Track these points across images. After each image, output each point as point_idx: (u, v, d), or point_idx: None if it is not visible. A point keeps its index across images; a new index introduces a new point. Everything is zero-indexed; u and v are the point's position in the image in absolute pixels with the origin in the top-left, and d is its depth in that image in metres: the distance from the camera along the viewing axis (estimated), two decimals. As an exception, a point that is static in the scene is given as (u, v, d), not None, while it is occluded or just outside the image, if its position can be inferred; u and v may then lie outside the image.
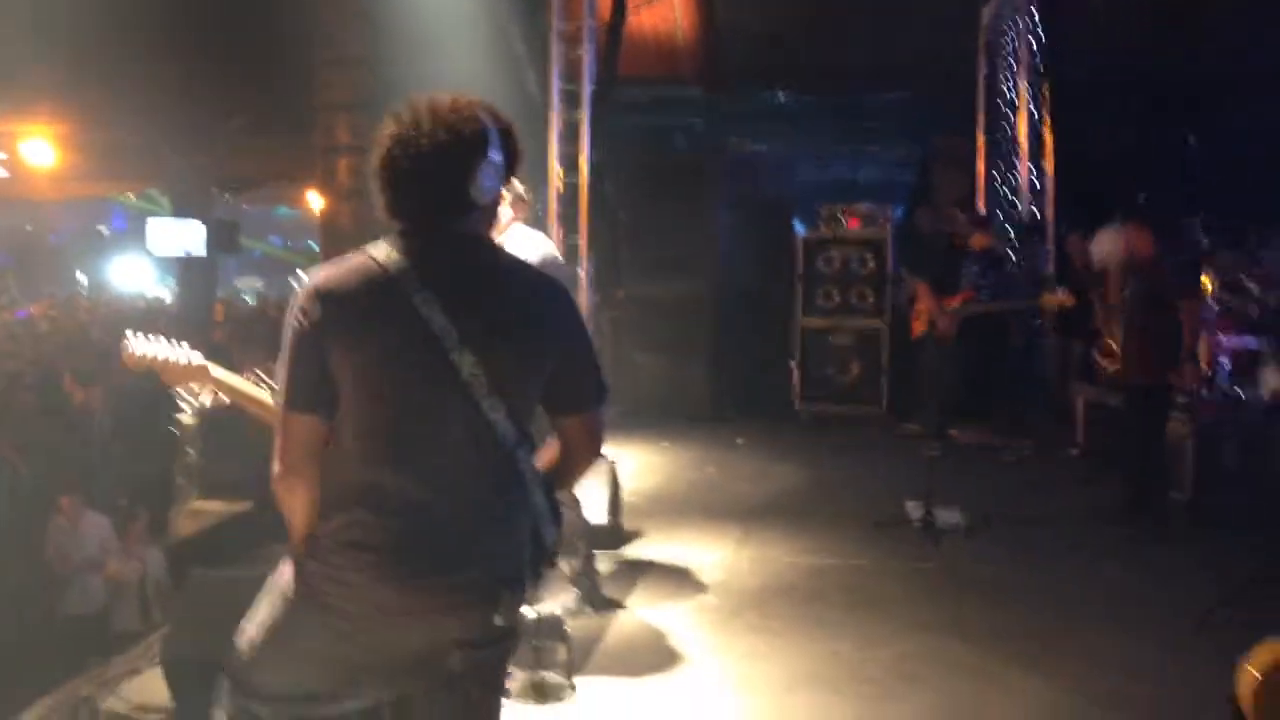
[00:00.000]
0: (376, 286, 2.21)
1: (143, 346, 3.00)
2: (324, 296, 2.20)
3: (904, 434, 9.54)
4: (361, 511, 2.20)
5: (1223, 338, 7.72)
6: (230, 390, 3.02)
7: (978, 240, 9.08)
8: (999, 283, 8.77)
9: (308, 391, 2.21)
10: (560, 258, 5.28)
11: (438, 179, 2.26)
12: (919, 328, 9.20)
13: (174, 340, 3.06)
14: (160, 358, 3.00)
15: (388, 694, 2.33)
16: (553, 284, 2.38)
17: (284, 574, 2.33)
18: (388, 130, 2.29)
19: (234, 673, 2.33)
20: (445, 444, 2.23)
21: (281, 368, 2.23)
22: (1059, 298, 8.46)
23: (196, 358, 3.01)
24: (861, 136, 18.04)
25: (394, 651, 2.25)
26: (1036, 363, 9.93)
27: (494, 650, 2.33)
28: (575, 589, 5.26)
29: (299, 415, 2.22)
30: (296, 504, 2.26)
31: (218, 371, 3.04)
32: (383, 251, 2.25)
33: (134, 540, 7.75)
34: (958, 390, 9.10)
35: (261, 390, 2.99)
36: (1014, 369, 9.03)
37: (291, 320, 2.21)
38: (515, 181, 4.88)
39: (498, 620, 2.26)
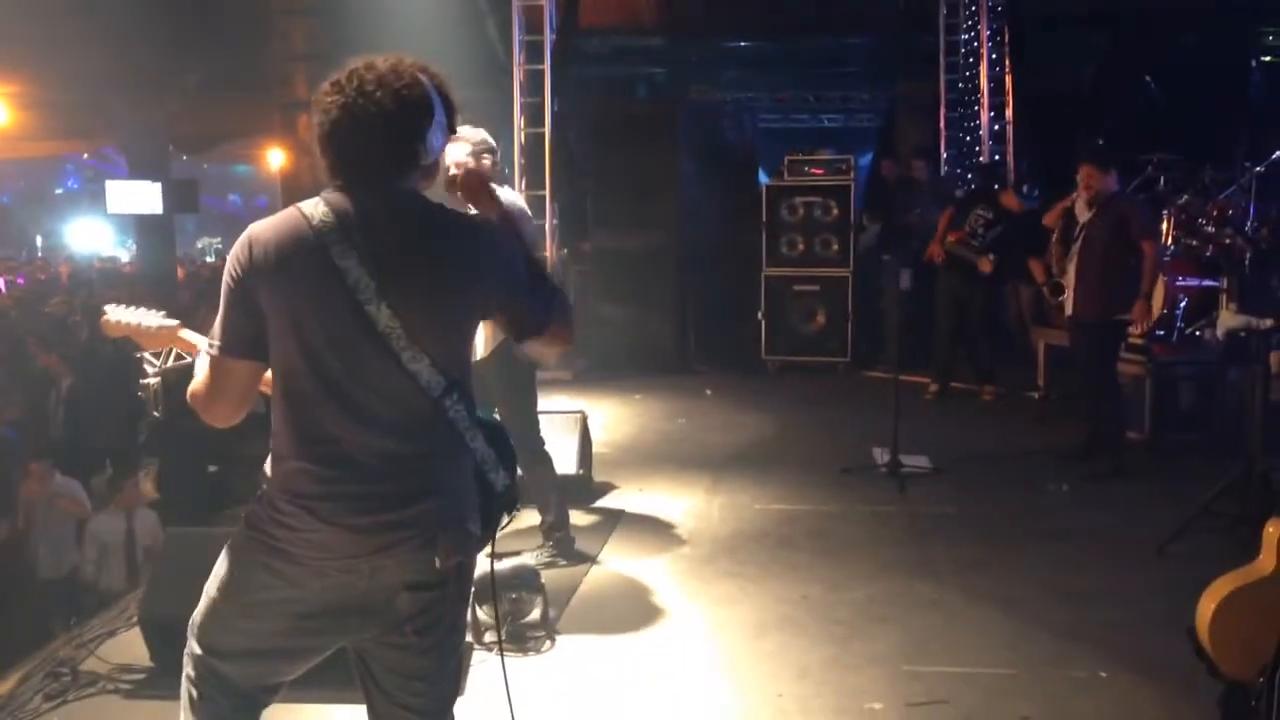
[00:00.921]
0: (300, 238, 2.27)
1: (119, 314, 3.14)
2: (253, 246, 2.27)
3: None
4: (300, 459, 2.29)
5: (1179, 278, 7.82)
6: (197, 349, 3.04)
7: (1008, 198, 9.12)
8: (996, 241, 8.83)
9: (241, 337, 2.28)
10: (527, 210, 5.26)
11: (389, 144, 2.31)
12: (928, 252, 9.23)
13: (149, 307, 3.17)
14: (137, 324, 3.12)
15: (345, 643, 2.39)
16: (478, 229, 2.43)
17: (230, 539, 2.42)
18: (331, 99, 2.30)
19: (195, 631, 2.39)
20: (369, 393, 2.29)
21: (218, 316, 2.30)
22: (987, 263, 8.65)
23: (169, 321, 3.13)
24: (824, 83, 18.01)
25: (343, 596, 2.31)
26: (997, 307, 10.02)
27: (440, 592, 2.38)
28: (549, 541, 5.33)
29: (232, 360, 2.29)
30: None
31: (187, 334, 3.11)
32: (312, 205, 2.31)
33: (125, 502, 7.73)
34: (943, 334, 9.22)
35: None
36: (979, 313, 9.09)
37: (227, 269, 2.30)
38: (483, 132, 4.89)
39: (437, 562, 2.32)
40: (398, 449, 2.31)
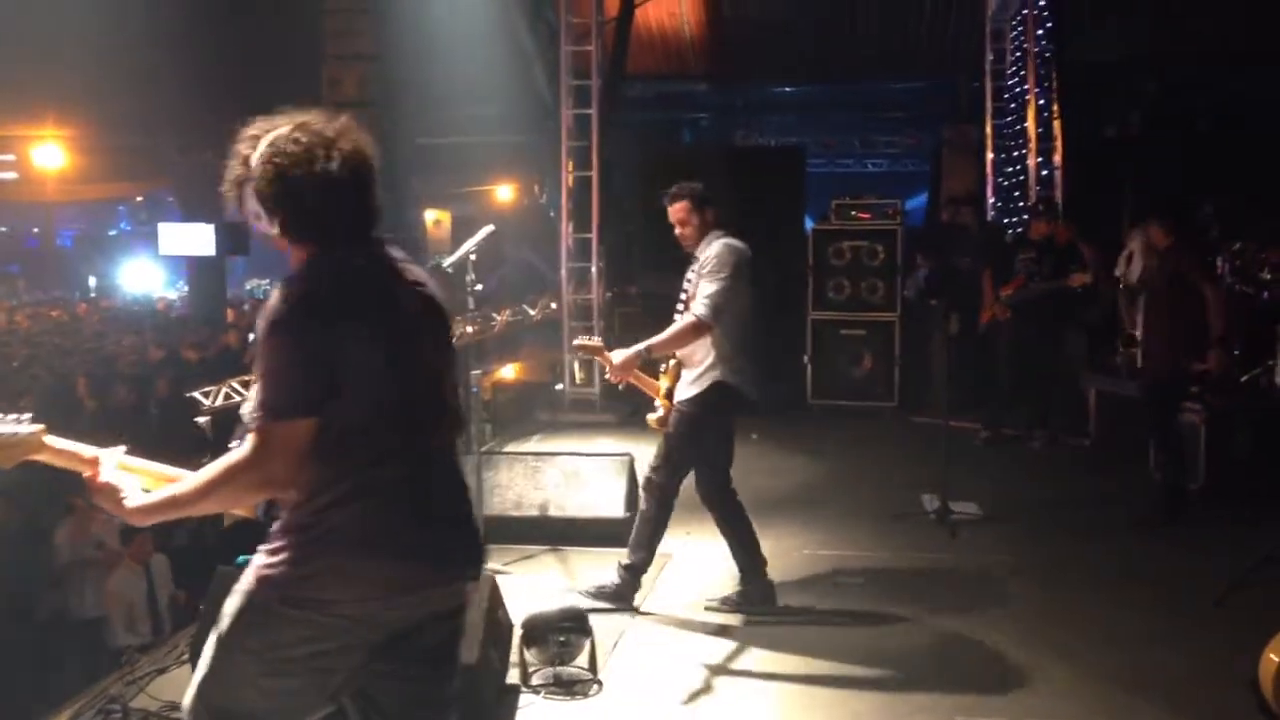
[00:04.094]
0: (365, 287, 2.33)
1: None
2: (325, 301, 2.27)
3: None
4: (364, 500, 2.29)
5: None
6: (64, 457, 2.45)
7: (1036, 228, 9.04)
8: (1057, 267, 8.67)
9: (311, 394, 2.24)
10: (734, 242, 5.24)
11: (366, 197, 2.40)
12: (984, 317, 9.23)
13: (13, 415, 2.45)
14: None
15: (355, 685, 2.37)
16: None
17: (247, 598, 2.33)
18: (296, 154, 2.32)
19: (205, 695, 2.34)
20: (429, 426, 2.40)
21: (271, 375, 2.23)
22: (1083, 276, 8.43)
23: (31, 428, 2.39)
24: (870, 127, 18.07)
25: (374, 634, 2.32)
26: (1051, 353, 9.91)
27: (458, 622, 2.46)
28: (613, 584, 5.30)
29: (298, 421, 2.23)
30: (253, 501, 2.42)
31: (54, 440, 2.44)
32: (353, 257, 2.35)
33: (139, 555, 7.67)
34: (1006, 381, 9.11)
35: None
36: (1037, 359, 8.97)
37: (287, 329, 2.24)
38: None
39: (469, 588, 2.44)
40: (445, 478, 2.45)
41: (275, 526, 2.34)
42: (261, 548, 2.34)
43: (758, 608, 5.22)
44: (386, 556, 2.29)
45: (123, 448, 2.45)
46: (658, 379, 5.38)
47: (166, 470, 2.48)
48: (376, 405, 2.29)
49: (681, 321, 5.10)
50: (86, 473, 2.38)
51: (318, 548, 2.27)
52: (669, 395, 5.28)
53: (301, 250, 2.37)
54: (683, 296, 5.20)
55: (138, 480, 2.41)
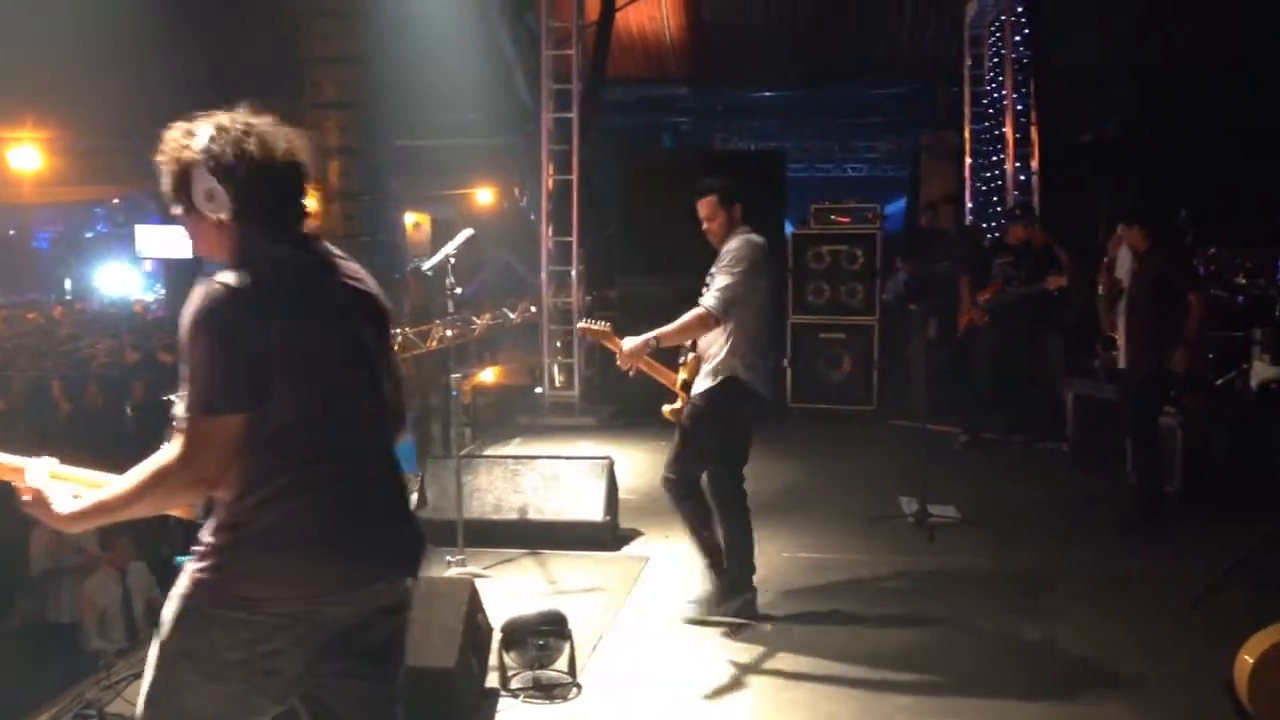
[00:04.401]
0: (302, 278, 2.33)
1: None
2: (258, 292, 2.23)
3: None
4: (301, 497, 2.26)
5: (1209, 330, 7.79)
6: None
7: (1014, 233, 9.10)
8: (1034, 271, 8.72)
9: (243, 389, 2.19)
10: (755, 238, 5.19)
11: (303, 192, 2.42)
12: (962, 322, 9.28)
13: None
14: None
15: (305, 687, 2.35)
16: None
17: (181, 602, 2.30)
18: (274, 144, 2.36)
19: (149, 710, 2.31)
20: (366, 418, 2.38)
21: (204, 370, 2.18)
22: (1058, 279, 8.49)
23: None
24: (850, 132, 18.12)
25: (319, 632, 2.29)
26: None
27: (403, 618, 2.45)
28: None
29: (229, 416, 2.19)
30: (185, 502, 2.36)
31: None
32: (284, 249, 2.34)
33: (116, 561, 7.59)
34: (985, 384, 9.15)
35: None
36: (1015, 363, 9.02)
37: (217, 323, 2.20)
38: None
39: (412, 582, 2.44)
40: (384, 468, 2.43)
41: (206, 527, 2.29)
42: (193, 549, 2.29)
43: (732, 617, 5.18)
44: (321, 554, 2.26)
45: (53, 458, 2.40)
46: (676, 370, 5.36)
47: (101, 478, 2.43)
48: (311, 401, 2.26)
49: (691, 312, 5.10)
50: (15, 482, 2.35)
51: (250, 547, 2.23)
52: (686, 388, 5.27)
53: (231, 238, 2.32)
54: (704, 291, 5.17)
55: (70, 488, 2.36)
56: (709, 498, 5.25)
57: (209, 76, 12.65)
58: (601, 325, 5.43)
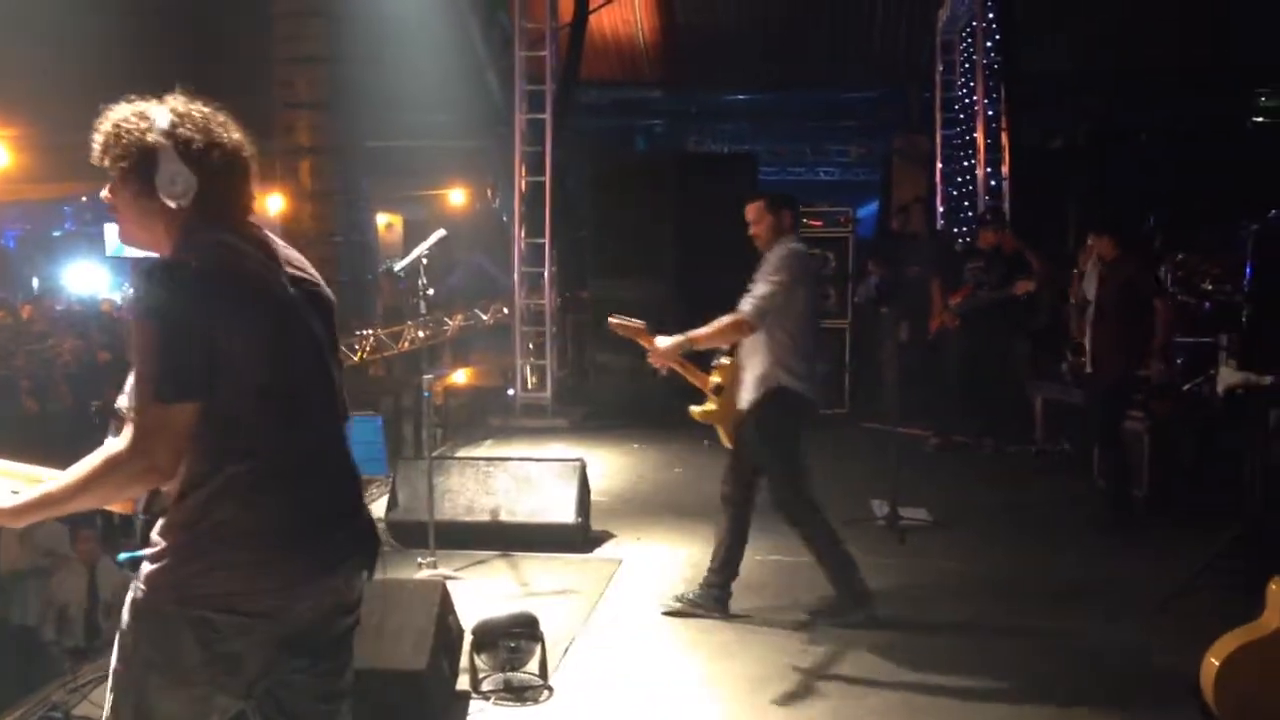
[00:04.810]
0: (251, 265, 2.27)
1: None
2: (208, 279, 2.17)
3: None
4: (254, 489, 2.21)
5: (1176, 335, 7.86)
6: None
7: (985, 238, 9.15)
8: (1005, 276, 8.78)
9: (195, 378, 2.14)
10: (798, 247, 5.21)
11: (249, 174, 2.38)
12: (934, 325, 9.33)
13: None
14: None
15: (264, 685, 2.29)
16: None
17: (138, 606, 2.24)
18: (230, 131, 2.34)
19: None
20: (318, 408, 2.34)
21: (155, 358, 2.13)
22: (1026, 284, 8.55)
23: None
24: (822, 136, 18.18)
25: (282, 629, 2.24)
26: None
27: (357, 614, 2.43)
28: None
29: (181, 405, 2.13)
30: (134, 494, 2.30)
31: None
32: (234, 238, 2.28)
33: (86, 555, 7.52)
34: (956, 388, 9.19)
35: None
36: (985, 367, 9.08)
37: (167, 310, 2.14)
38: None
39: (370, 577, 2.41)
40: (337, 461, 2.40)
41: (158, 526, 2.24)
42: (146, 551, 2.23)
43: (711, 612, 5.22)
44: (276, 547, 2.21)
45: None
46: (708, 373, 5.35)
47: (40, 472, 2.37)
48: (261, 390, 2.20)
49: (727, 316, 5.10)
50: None
51: (205, 543, 2.18)
52: (718, 390, 5.26)
53: (177, 226, 2.26)
54: (744, 296, 5.17)
55: (8, 483, 2.31)
56: (779, 515, 5.26)
57: (179, 75, 12.57)
58: (634, 321, 5.40)
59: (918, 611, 5.36)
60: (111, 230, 14.83)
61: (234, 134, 2.33)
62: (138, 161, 2.25)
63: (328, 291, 2.46)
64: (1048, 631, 5.11)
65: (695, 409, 5.37)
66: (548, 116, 10.86)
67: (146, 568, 2.22)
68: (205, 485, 2.19)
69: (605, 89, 15.63)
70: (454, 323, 12.53)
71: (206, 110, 2.32)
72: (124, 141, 2.27)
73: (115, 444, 2.16)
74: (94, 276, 28.16)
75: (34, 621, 7.58)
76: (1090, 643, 4.96)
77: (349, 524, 2.37)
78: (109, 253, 15.21)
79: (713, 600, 5.27)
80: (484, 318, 13.38)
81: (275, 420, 2.23)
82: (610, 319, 5.43)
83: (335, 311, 2.47)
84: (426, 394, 6.42)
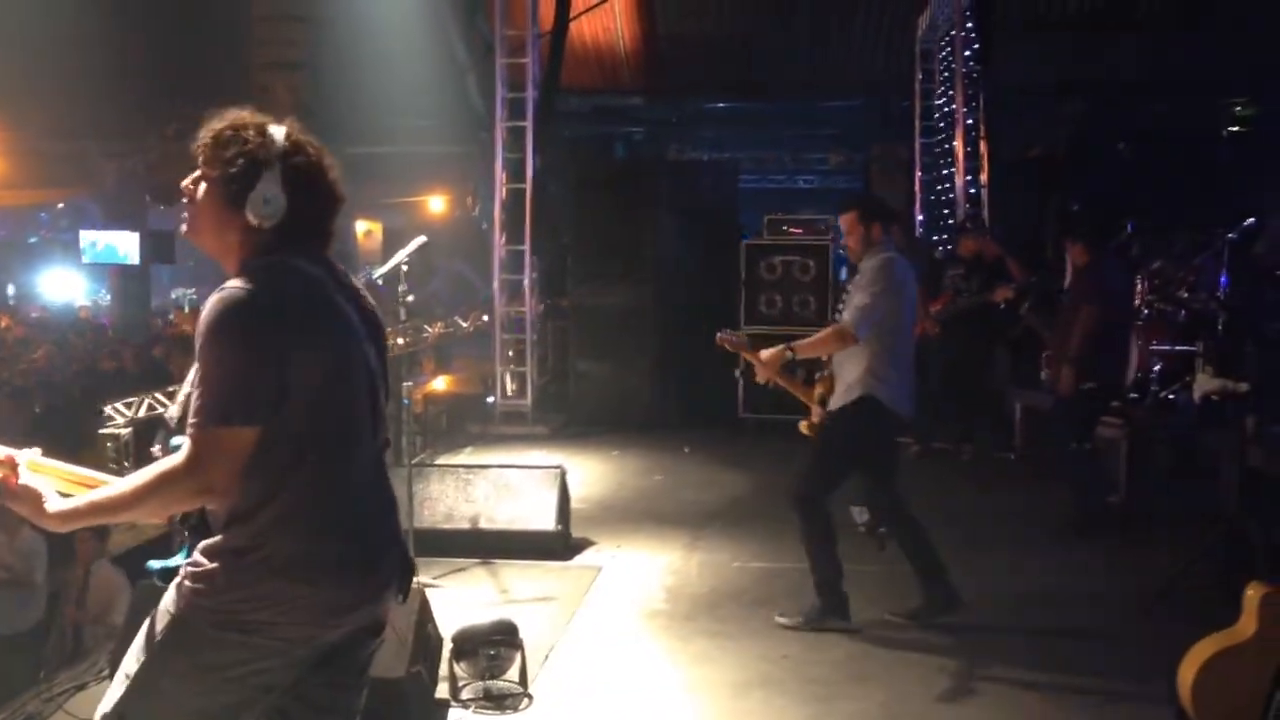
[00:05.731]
0: (320, 292, 2.28)
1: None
2: (280, 305, 2.19)
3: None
4: (308, 519, 2.21)
5: (1153, 342, 7.90)
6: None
7: (965, 246, 9.18)
8: (985, 284, 8.81)
9: (258, 401, 2.15)
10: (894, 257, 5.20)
11: (336, 214, 2.41)
12: (915, 332, 9.33)
13: None
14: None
15: (286, 699, 2.30)
16: None
17: (176, 620, 2.23)
18: (334, 172, 2.37)
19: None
20: (367, 437, 2.35)
21: (221, 380, 2.14)
22: (1005, 291, 8.59)
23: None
24: (802, 144, 18.23)
25: (310, 652, 2.26)
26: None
27: (381, 636, 2.43)
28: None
29: (242, 429, 2.14)
30: (183, 510, 2.30)
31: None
32: (305, 262, 2.29)
33: (85, 554, 7.48)
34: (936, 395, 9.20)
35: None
36: (965, 374, 9.11)
37: (236, 331, 2.15)
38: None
39: (399, 600, 2.42)
40: (380, 488, 2.40)
41: (205, 545, 2.22)
42: (190, 568, 2.22)
43: (941, 615, 5.22)
44: (326, 582, 2.21)
45: (37, 449, 2.30)
46: (813, 386, 5.36)
47: (76, 470, 2.35)
48: (322, 417, 2.22)
49: (829, 328, 5.16)
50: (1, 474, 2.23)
51: (256, 573, 2.17)
52: (822, 402, 5.28)
53: (252, 245, 2.27)
54: (840, 307, 5.20)
55: (50, 482, 2.27)
56: (789, 503, 5.31)
57: (158, 81, 12.50)
58: (739, 335, 5.42)
59: (896, 618, 5.36)
60: (88, 237, 14.73)
61: (335, 175, 2.36)
62: (241, 172, 2.25)
63: (381, 318, 2.47)
64: (1026, 637, 5.12)
65: (804, 424, 5.39)
66: (529, 123, 10.86)
67: (187, 585, 2.21)
68: (260, 513, 2.19)
69: (586, 96, 15.63)
70: (434, 330, 12.49)
71: (320, 146, 2.36)
72: (234, 149, 2.27)
73: (172, 459, 2.16)
74: (69, 283, 27.99)
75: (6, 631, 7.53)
76: (1067, 648, 4.97)
77: (390, 553, 2.38)
78: (85, 260, 15.09)
79: (941, 605, 5.24)
80: (464, 325, 13.35)
81: (331, 450, 2.25)
82: (718, 335, 5.44)
83: (386, 338, 2.51)
84: (406, 401, 6.41)
